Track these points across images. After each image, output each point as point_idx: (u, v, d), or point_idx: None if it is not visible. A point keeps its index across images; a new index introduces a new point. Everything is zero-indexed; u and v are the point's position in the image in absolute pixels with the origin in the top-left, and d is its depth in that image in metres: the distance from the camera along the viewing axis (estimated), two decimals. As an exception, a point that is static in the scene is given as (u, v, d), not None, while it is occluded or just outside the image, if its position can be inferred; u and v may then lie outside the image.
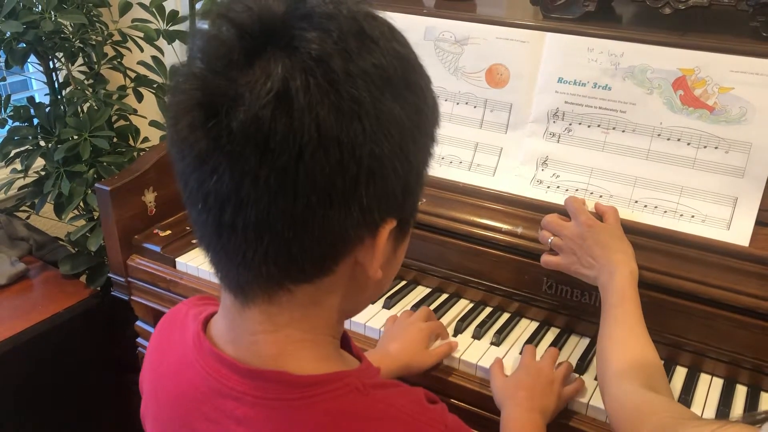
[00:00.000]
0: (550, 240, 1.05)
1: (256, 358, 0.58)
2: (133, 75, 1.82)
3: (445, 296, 1.23)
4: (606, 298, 0.95)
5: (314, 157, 0.48)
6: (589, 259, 1.00)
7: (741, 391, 1.01)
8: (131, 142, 1.85)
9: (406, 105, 0.53)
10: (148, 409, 0.68)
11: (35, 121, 1.73)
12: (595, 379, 1.02)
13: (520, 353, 1.07)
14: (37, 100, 1.78)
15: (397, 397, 0.59)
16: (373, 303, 1.16)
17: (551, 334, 1.13)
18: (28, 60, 1.70)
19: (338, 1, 0.51)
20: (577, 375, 1.03)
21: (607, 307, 0.94)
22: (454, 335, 1.12)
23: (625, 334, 0.89)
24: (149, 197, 1.41)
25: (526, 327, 1.15)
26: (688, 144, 1.07)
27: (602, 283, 0.97)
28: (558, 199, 1.14)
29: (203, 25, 0.53)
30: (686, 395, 0.99)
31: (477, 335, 1.11)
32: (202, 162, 0.50)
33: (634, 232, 1.04)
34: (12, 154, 1.72)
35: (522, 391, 0.94)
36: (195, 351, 0.61)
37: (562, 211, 1.11)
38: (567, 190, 1.14)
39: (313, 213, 0.50)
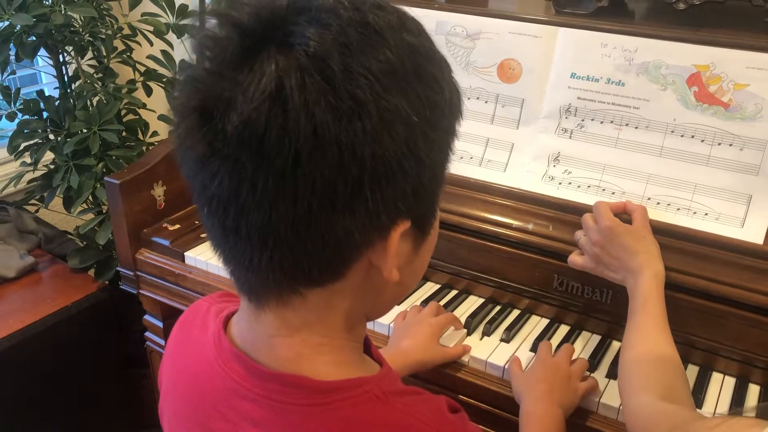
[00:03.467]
0: (579, 238, 1.04)
1: (274, 360, 0.56)
2: (142, 69, 1.82)
3: (454, 292, 1.22)
4: (630, 303, 0.94)
5: (312, 159, 0.46)
6: (614, 262, 0.98)
7: (754, 390, 1.00)
8: (140, 135, 1.85)
9: (415, 99, 0.50)
10: (166, 404, 0.67)
11: (45, 114, 1.74)
12: (606, 376, 1.01)
13: (531, 350, 1.07)
14: (47, 94, 1.78)
15: (418, 405, 0.57)
16: (399, 304, 1.15)
17: (561, 331, 1.12)
18: (38, 53, 1.70)
19: None
20: (588, 375, 1.02)
21: (630, 314, 0.93)
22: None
23: (645, 343, 0.88)
24: (158, 191, 1.41)
25: (536, 324, 1.14)
26: (702, 141, 1.06)
27: (629, 287, 0.96)
28: (570, 195, 1.13)
29: (204, 23, 0.51)
30: (698, 394, 0.98)
31: (487, 332, 1.10)
32: (203, 166, 0.49)
33: (646, 229, 1.03)
34: (21, 148, 1.72)
35: (541, 384, 0.93)
36: (215, 349, 0.60)
37: (575, 208, 1.11)
38: (579, 186, 1.13)
39: (315, 217, 0.48)
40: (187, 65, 0.50)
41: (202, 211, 0.53)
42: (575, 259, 1.05)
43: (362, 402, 0.55)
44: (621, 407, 0.95)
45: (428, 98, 0.51)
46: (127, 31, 1.77)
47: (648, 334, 0.89)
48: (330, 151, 0.46)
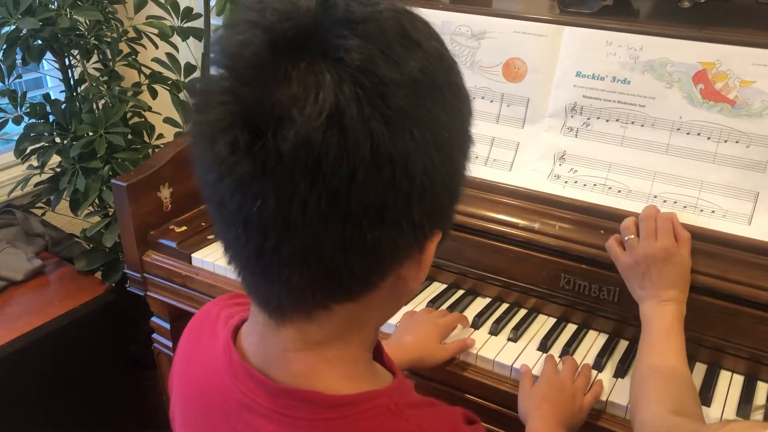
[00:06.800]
0: (627, 238, 1.01)
1: (286, 375, 0.56)
2: (147, 72, 1.82)
3: (461, 292, 1.22)
4: (650, 324, 0.94)
5: (367, 176, 0.45)
6: (648, 282, 0.97)
7: (762, 388, 1.00)
8: (146, 138, 1.86)
9: (450, 110, 0.50)
10: (176, 412, 0.67)
11: (51, 117, 1.74)
12: (614, 376, 1.01)
13: (538, 349, 1.07)
14: (53, 97, 1.79)
15: (432, 418, 0.57)
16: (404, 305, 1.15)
17: (569, 330, 1.12)
18: (44, 57, 1.71)
19: (374, 1, 0.48)
20: (596, 374, 1.02)
21: (648, 335, 0.93)
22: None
23: (660, 360, 0.89)
24: (165, 193, 1.41)
25: (543, 323, 1.14)
26: (709, 138, 1.06)
27: (649, 306, 0.96)
28: (576, 194, 1.13)
29: (226, 29, 0.49)
30: (706, 392, 0.97)
31: (494, 331, 1.10)
32: (244, 186, 0.47)
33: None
34: (28, 151, 1.73)
35: (546, 403, 0.93)
36: (224, 361, 0.59)
37: (581, 207, 1.11)
38: (585, 185, 1.13)
39: (363, 235, 0.48)
40: (211, 78, 0.48)
41: (232, 231, 0.50)
42: (617, 251, 1.01)
43: (376, 416, 0.54)
44: (629, 406, 0.95)
45: (457, 108, 0.51)
46: (132, 34, 1.78)
47: (662, 354, 0.90)
48: (385, 168, 0.46)
